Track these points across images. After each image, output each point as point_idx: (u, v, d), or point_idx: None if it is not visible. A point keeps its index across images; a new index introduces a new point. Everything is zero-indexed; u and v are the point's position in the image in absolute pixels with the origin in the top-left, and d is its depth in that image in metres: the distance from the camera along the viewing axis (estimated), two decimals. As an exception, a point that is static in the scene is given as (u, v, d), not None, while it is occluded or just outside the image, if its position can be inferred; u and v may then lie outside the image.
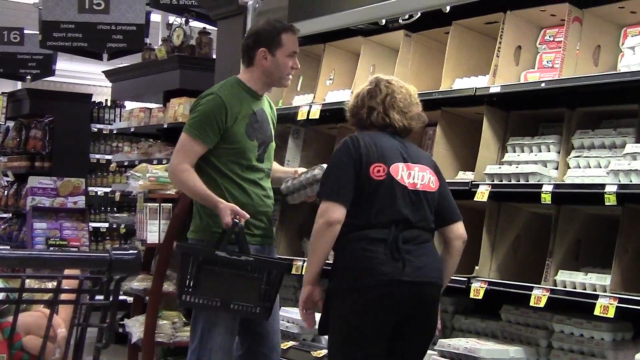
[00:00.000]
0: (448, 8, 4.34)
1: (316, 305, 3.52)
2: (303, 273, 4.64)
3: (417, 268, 3.36)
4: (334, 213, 3.38)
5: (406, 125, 3.54)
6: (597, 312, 3.57)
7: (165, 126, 7.32)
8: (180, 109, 7.09)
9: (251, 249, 3.85)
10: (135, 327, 6.10)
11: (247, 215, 3.79)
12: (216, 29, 6.60)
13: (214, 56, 7.02)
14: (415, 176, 3.46)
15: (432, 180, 3.51)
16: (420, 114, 3.60)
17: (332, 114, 4.77)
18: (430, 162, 3.59)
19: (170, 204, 6.09)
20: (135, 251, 2.11)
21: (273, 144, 4.08)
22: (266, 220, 4.00)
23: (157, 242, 6.04)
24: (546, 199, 3.80)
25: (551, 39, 4.23)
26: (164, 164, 6.57)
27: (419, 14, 4.55)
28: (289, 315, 4.73)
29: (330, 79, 5.19)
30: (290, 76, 4.05)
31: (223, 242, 3.75)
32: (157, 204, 6.07)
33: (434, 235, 3.56)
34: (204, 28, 7.81)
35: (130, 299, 6.83)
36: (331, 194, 3.43)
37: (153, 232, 6.02)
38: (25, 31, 10.78)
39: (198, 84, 7.09)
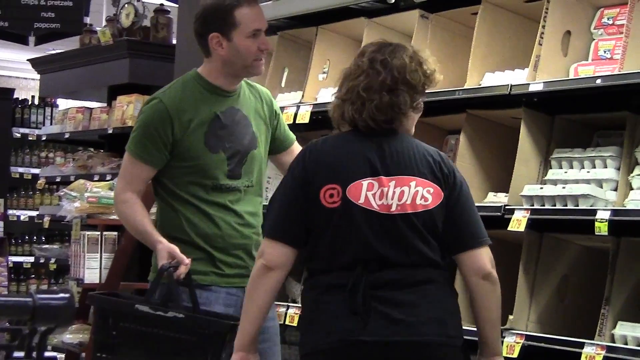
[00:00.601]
0: None
1: None
2: (290, 322, 4.64)
3: (392, 322, 3.19)
4: (272, 255, 3.30)
5: (366, 120, 3.30)
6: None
7: (110, 131, 7.36)
8: (129, 109, 7.14)
9: (222, 294, 3.85)
10: (68, 392, 6.14)
11: (186, 260, 3.75)
12: (177, 6, 6.64)
13: (174, 41, 7.07)
14: (389, 195, 3.25)
15: (422, 195, 3.27)
16: (401, 107, 3.32)
17: (327, 117, 4.74)
18: (426, 167, 3.30)
19: (116, 233, 6.12)
20: (67, 295, 2.10)
21: (259, 152, 4.02)
22: (244, 255, 3.95)
23: (97, 282, 6.06)
24: (602, 229, 3.78)
25: (610, 22, 4.24)
26: (107, 181, 6.64)
27: None
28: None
29: (324, 72, 5.20)
30: (262, 61, 3.98)
31: (161, 291, 3.72)
32: (99, 233, 6.09)
33: (444, 270, 3.35)
34: (162, 5, 7.83)
35: (61, 356, 6.83)
36: (271, 229, 3.34)
37: (92, 269, 6.05)
38: None
39: (153, 77, 7.19)
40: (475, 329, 3.40)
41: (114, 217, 5.99)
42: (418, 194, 3.27)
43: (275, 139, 4.18)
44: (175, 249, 3.78)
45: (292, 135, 4.27)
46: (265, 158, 4.12)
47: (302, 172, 3.31)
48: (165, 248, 3.78)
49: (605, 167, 4.04)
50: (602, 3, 4.31)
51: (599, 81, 3.93)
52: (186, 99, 3.93)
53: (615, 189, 3.96)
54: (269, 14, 5.41)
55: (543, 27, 4.18)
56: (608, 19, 4.27)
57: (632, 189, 3.92)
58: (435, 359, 3.25)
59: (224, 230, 3.92)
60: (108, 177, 6.89)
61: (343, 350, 3.21)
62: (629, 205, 3.86)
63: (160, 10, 7.70)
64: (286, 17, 5.39)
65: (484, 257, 3.33)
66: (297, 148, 4.20)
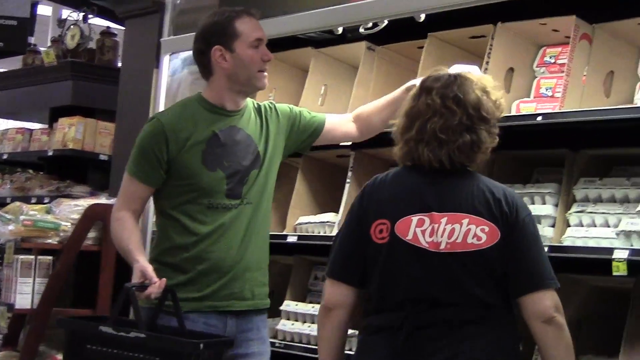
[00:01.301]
0: (423, 16, 4.40)
1: None
2: None
3: None
4: (330, 294, 3.30)
5: (461, 160, 3.24)
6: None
7: (51, 153, 7.31)
8: (71, 131, 7.09)
9: (199, 324, 3.85)
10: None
11: (154, 279, 3.73)
12: (123, 29, 6.62)
13: (120, 64, 7.04)
14: (439, 232, 3.16)
15: (474, 234, 3.16)
16: (482, 138, 3.26)
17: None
18: (483, 204, 3.20)
19: (50, 257, 6.05)
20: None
21: (264, 171, 4.01)
22: (233, 277, 3.92)
23: (28, 307, 5.98)
24: (538, 265, 3.81)
25: (552, 61, 4.30)
26: (45, 204, 6.55)
27: (386, 22, 4.59)
28: None
29: (271, 99, 5.21)
30: (265, 73, 3.99)
31: (135, 314, 3.71)
32: (33, 257, 6.01)
33: (503, 311, 3.23)
34: (108, 28, 7.82)
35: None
36: (331, 268, 3.32)
37: (24, 294, 5.97)
38: None
39: (97, 99, 7.19)
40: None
41: (50, 240, 5.99)
42: (470, 232, 3.16)
43: (304, 130, 4.19)
44: (148, 269, 3.75)
45: (320, 115, 4.26)
46: (273, 177, 4.08)
47: (359, 208, 3.29)
48: (139, 267, 3.76)
49: (544, 203, 4.07)
50: (544, 42, 4.37)
51: (539, 118, 3.98)
52: (185, 118, 3.95)
53: (553, 225, 4.00)
54: None
55: (487, 63, 4.24)
56: (550, 57, 4.32)
57: (569, 225, 3.96)
58: None
59: (216, 253, 3.90)
60: (46, 200, 6.81)
61: None
62: (566, 242, 3.89)
63: (107, 32, 7.68)
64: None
65: (545, 300, 3.17)
66: (334, 120, 4.25)
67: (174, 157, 3.90)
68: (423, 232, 3.18)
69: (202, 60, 4.01)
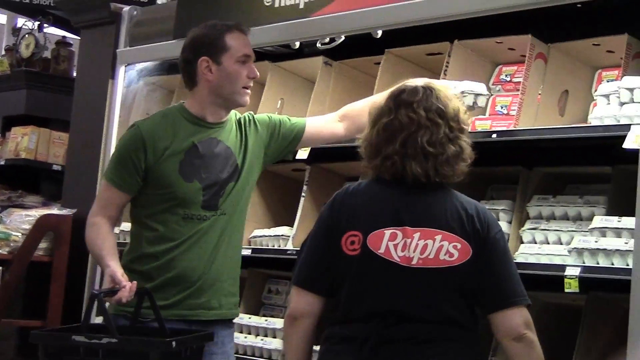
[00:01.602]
0: (380, 33, 4.40)
1: None
2: None
3: None
4: (297, 303, 3.24)
5: (443, 174, 3.20)
6: None
7: (3, 163, 7.25)
8: (24, 141, 7.04)
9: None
10: None
11: (124, 283, 3.69)
12: (79, 39, 6.57)
13: (75, 74, 6.97)
14: (411, 247, 3.11)
15: (446, 250, 3.11)
16: (464, 149, 3.24)
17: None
18: (456, 221, 3.15)
19: (0, 268, 6.00)
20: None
21: (240, 184, 3.97)
22: (202, 287, 3.89)
23: None
24: (492, 281, 3.81)
25: (508, 79, 4.32)
26: (0, 214, 6.47)
27: (343, 38, 4.58)
28: None
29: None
30: (248, 90, 3.96)
31: (105, 319, 3.67)
32: None
33: (470, 331, 3.17)
34: (64, 37, 7.75)
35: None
36: (298, 276, 3.26)
37: None
38: None
39: (50, 109, 7.13)
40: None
41: (1, 250, 5.94)
42: (443, 248, 3.11)
43: (284, 138, 4.14)
44: (117, 274, 3.71)
45: (300, 121, 4.20)
46: (250, 189, 4.05)
47: (329, 218, 3.23)
48: (109, 272, 3.73)
49: (498, 220, 3.99)
50: (500, 60, 4.38)
51: (494, 136, 3.99)
52: (164, 127, 3.92)
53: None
54: (172, 53, 5.42)
55: (443, 79, 4.22)
56: (506, 75, 4.34)
57: (522, 242, 3.97)
58: None
59: (185, 262, 3.87)
60: (1, 211, 6.69)
61: None
62: (519, 259, 3.88)
63: (62, 42, 7.62)
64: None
65: (515, 317, 3.14)
66: (316, 123, 4.20)
67: (152, 166, 3.87)
68: (395, 246, 3.12)
69: (188, 70, 3.98)
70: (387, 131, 3.22)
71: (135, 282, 3.72)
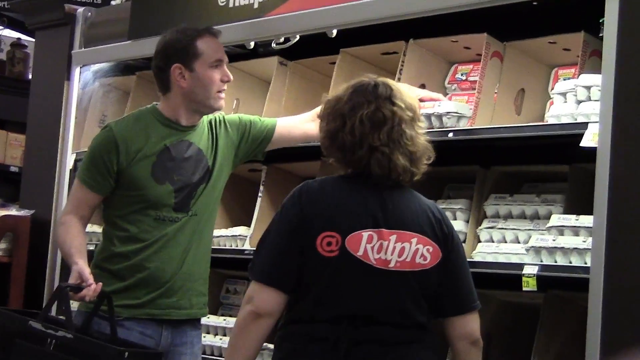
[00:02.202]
0: (334, 32, 4.32)
1: None
2: None
3: None
4: (263, 301, 3.04)
5: (413, 172, 3.14)
6: None
7: (-39, 165, 7.15)
8: (-19, 142, 6.92)
9: (135, 333, 3.76)
10: None
11: (90, 281, 3.63)
12: (34, 41, 6.51)
13: (30, 76, 6.84)
14: (388, 249, 3.03)
15: (421, 254, 3.06)
16: (427, 147, 3.18)
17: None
18: (427, 224, 3.11)
19: None
20: None
21: (211, 185, 3.92)
22: (171, 287, 3.83)
23: None
24: (448, 280, 3.75)
25: (464, 78, 4.26)
26: None
27: (297, 38, 4.51)
28: None
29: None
30: (222, 94, 3.89)
31: (66, 315, 3.63)
32: None
33: (429, 332, 3.15)
34: (19, 39, 7.70)
35: None
36: (263, 273, 3.07)
37: None
38: None
39: (7, 111, 7.08)
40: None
41: None
42: (418, 252, 3.06)
43: (254, 139, 4.08)
44: (85, 271, 3.66)
45: (270, 121, 4.13)
46: (220, 189, 4.00)
47: (298, 213, 3.06)
48: (77, 269, 3.67)
49: (455, 219, 4.01)
50: (456, 59, 4.33)
51: (451, 135, 3.92)
52: (137, 130, 3.87)
53: (464, 241, 3.92)
54: (127, 54, 5.33)
55: (399, 79, 4.16)
56: (462, 74, 4.28)
57: (479, 241, 3.91)
58: None
59: (156, 262, 3.82)
60: None
61: None
62: (476, 257, 3.83)
63: (18, 44, 7.56)
64: (144, 57, 5.25)
65: (473, 322, 3.17)
66: (287, 123, 4.14)
67: (124, 169, 3.82)
68: (372, 248, 3.03)
69: (161, 77, 3.91)
70: (373, 122, 3.08)
71: (100, 283, 3.68)
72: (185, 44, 3.84)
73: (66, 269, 5.41)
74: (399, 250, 3.04)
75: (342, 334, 2.99)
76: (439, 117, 3.96)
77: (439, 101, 4.02)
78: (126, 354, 3.48)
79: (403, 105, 3.12)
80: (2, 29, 7.59)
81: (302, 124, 4.14)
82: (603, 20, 3.37)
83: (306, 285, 3.05)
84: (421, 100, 3.99)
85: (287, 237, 3.07)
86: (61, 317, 3.81)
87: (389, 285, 3.04)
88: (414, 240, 3.07)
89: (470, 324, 3.15)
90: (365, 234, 3.03)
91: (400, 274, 3.04)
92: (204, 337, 4.61)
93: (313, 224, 3.04)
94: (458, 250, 3.18)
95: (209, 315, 4.56)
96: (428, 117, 3.97)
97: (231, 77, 3.91)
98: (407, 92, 3.21)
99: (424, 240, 3.08)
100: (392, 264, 3.03)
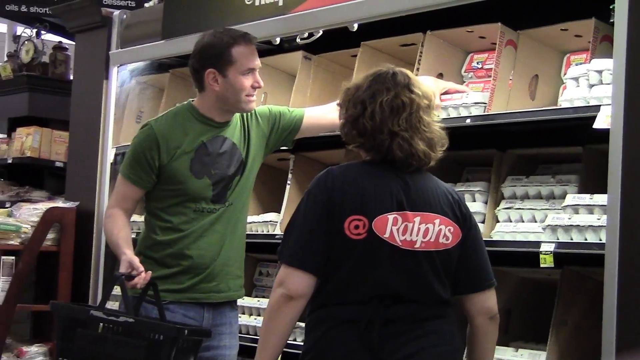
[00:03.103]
0: (356, 26, 4.29)
1: None
2: None
3: (404, 358, 2.93)
4: (295, 284, 2.96)
5: (431, 157, 3.07)
6: (530, 397, 3.53)
7: (10, 161, 7.11)
8: (28, 140, 6.93)
9: (178, 316, 3.77)
10: (-37, 411, 5.90)
11: (141, 269, 3.66)
12: (74, 44, 6.48)
13: (71, 77, 6.89)
14: (413, 231, 2.98)
15: (444, 234, 3.02)
16: (442, 134, 3.10)
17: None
18: (448, 205, 3.06)
19: (13, 257, 5.95)
20: None
21: (245, 176, 3.90)
22: (211, 273, 3.84)
23: None
24: (470, 259, 3.71)
25: (479, 66, 4.21)
26: (6, 208, 6.41)
27: (321, 32, 4.49)
28: None
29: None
30: (253, 97, 3.86)
31: (125, 301, 3.67)
32: None
33: (450, 308, 3.10)
34: (60, 42, 7.67)
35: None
36: (293, 257, 2.99)
37: None
38: None
39: (51, 110, 7.02)
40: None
41: (12, 242, 5.86)
42: (441, 232, 3.01)
43: (284, 129, 4.05)
44: (135, 260, 3.69)
45: (298, 111, 4.11)
46: (253, 178, 3.98)
47: (326, 199, 2.98)
48: (127, 259, 3.70)
49: (474, 200, 3.97)
50: (472, 48, 4.28)
51: (468, 121, 3.89)
52: (175, 127, 3.85)
53: (483, 221, 3.90)
54: (161, 53, 5.31)
55: (417, 69, 4.13)
56: (477, 63, 4.23)
57: (498, 221, 3.87)
58: None
59: (197, 250, 3.82)
60: (7, 205, 6.61)
61: None
62: (495, 237, 3.81)
63: (59, 47, 7.51)
64: (177, 55, 5.27)
65: (492, 298, 3.13)
66: (314, 113, 4.11)
67: (164, 164, 3.82)
68: (397, 230, 2.97)
69: (196, 77, 3.88)
70: (392, 108, 3.02)
71: (150, 271, 3.71)
72: (221, 51, 3.79)
73: (109, 256, 5.46)
74: (424, 231, 2.99)
75: (373, 314, 2.94)
76: (467, 107, 3.92)
77: (465, 92, 3.98)
78: (185, 331, 3.53)
79: (420, 93, 3.06)
80: (44, 34, 7.56)
81: (328, 114, 4.09)
82: (614, 7, 3.32)
83: (334, 267, 2.98)
84: (447, 92, 4.01)
85: (316, 221, 2.99)
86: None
87: (415, 265, 2.98)
88: (437, 222, 3.01)
89: (489, 300, 3.12)
90: (391, 216, 2.96)
91: (425, 253, 2.99)
92: (240, 317, 4.58)
93: (340, 209, 2.97)
94: (476, 230, 3.14)
95: (244, 297, 4.55)
96: (456, 107, 3.95)
97: (261, 83, 3.86)
98: (423, 81, 3.18)
99: (446, 221, 3.03)
100: (417, 245, 2.98)
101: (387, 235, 2.96)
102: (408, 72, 3.13)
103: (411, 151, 3.01)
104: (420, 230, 2.98)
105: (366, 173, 3.04)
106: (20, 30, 7.84)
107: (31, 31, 7.56)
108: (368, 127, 3.03)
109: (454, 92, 4.01)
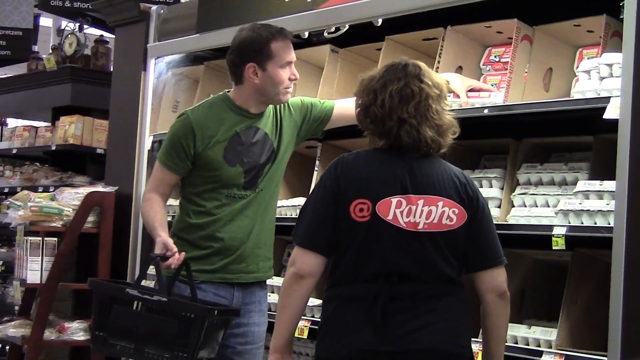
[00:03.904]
0: (380, 21, 4.29)
1: None
2: (299, 335, 4.30)
3: (408, 333, 2.95)
4: (305, 264, 3.03)
5: (440, 143, 3.09)
6: (541, 371, 3.52)
7: (54, 148, 7.16)
8: (71, 128, 6.96)
9: (210, 295, 3.81)
10: (10, 381, 5.97)
11: (175, 249, 3.71)
12: (114, 37, 6.51)
13: (112, 68, 6.92)
14: (417, 213, 2.99)
15: (447, 215, 3.02)
16: (453, 122, 3.13)
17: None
18: (453, 188, 3.06)
19: (55, 239, 5.99)
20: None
21: (276, 164, 3.94)
22: (242, 255, 3.87)
23: (38, 282, 5.91)
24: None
25: (497, 60, 4.21)
26: (49, 192, 6.46)
27: (347, 27, 4.49)
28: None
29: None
30: (289, 90, 3.90)
31: (159, 281, 3.70)
32: (40, 238, 5.94)
33: (459, 286, 3.10)
34: (101, 36, 7.71)
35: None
36: (304, 239, 3.06)
37: (34, 270, 5.90)
38: None
39: (92, 100, 7.05)
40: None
41: (54, 224, 5.90)
42: (444, 214, 3.02)
43: (315, 120, 4.09)
44: (170, 242, 3.73)
45: (329, 103, 4.14)
46: (284, 166, 4.01)
47: (334, 184, 3.04)
48: (162, 240, 3.73)
49: (491, 186, 3.98)
50: (490, 43, 4.27)
51: (486, 111, 3.89)
52: (211, 117, 3.87)
53: (499, 206, 3.91)
54: (196, 46, 5.33)
55: (438, 62, 4.13)
56: (495, 56, 4.22)
57: (513, 206, 3.87)
58: None
59: (228, 233, 3.85)
60: (51, 189, 6.68)
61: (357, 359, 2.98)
62: (511, 221, 3.81)
63: (100, 40, 7.54)
64: (211, 48, 5.30)
65: (501, 275, 3.12)
66: (343, 105, 4.10)
67: (200, 152, 3.84)
68: (401, 212, 2.99)
69: (235, 71, 3.90)
70: (401, 96, 3.06)
71: (183, 252, 3.74)
72: (261, 46, 3.82)
73: (146, 238, 5.51)
74: (427, 213, 3.00)
75: (379, 292, 2.97)
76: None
77: (493, 92, 3.97)
78: (216, 311, 3.58)
79: (430, 83, 3.09)
80: (87, 28, 7.61)
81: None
82: (624, 4, 3.32)
83: (344, 249, 3.04)
84: (472, 90, 4.01)
85: (325, 206, 3.05)
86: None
87: (419, 245, 3.00)
88: (440, 204, 3.02)
89: (497, 278, 3.11)
90: (394, 200, 2.99)
91: (428, 234, 3.01)
92: (269, 296, 4.61)
93: (347, 193, 3.02)
94: (483, 211, 3.12)
95: (273, 277, 4.59)
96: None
97: (298, 76, 3.90)
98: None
99: (450, 203, 3.03)
100: (420, 226, 3.00)
101: (390, 217, 2.99)
102: (421, 63, 3.15)
103: (418, 137, 3.04)
104: (424, 212, 3.00)
105: (374, 159, 3.08)
106: (64, 24, 7.87)
107: (74, 25, 7.61)
108: (378, 115, 3.08)
109: (478, 89, 4.01)
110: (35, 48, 8.17)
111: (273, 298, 4.66)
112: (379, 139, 3.13)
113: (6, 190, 7.71)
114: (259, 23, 3.99)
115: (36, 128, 7.68)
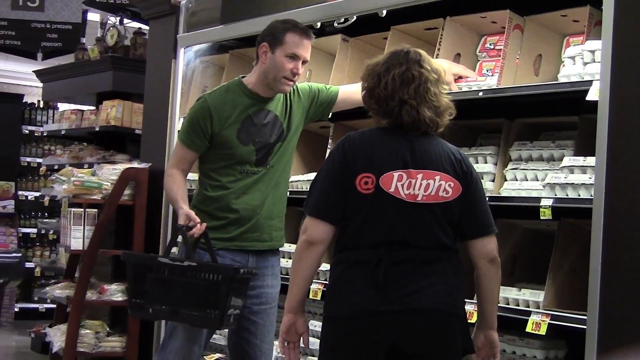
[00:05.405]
0: (384, 12, 4.28)
1: (300, 338, 3.15)
2: (313, 296, 4.30)
3: (407, 294, 2.95)
4: (315, 232, 3.03)
5: (438, 123, 3.08)
6: (529, 329, 3.50)
7: (97, 129, 7.18)
8: (112, 111, 6.97)
9: (227, 260, 3.83)
10: (57, 336, 6.08)
11: (197, 220, 3.72)
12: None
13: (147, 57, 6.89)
14: (416, 186, 3.00)
15: (444, 188, 3.02)
16: (450, 104, 3.12)
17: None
18: (449, 164, 3.06)
19: (96, 210, 6.04)
20: (18, 255, 1.94)
21: (286, 142, 3.94)
22: (256, 224, 3.88)
23: (80, 248, 5.97)
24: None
25: (491, 47, 4.17)
26: (94, 169, 6.45)
27: (355, 18, 4.46)
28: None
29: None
30: (289, 82, 3.87)
31: (186, 248, 3.73)
32: (82, 210, 6.00)
33: (455, 252, 3.10)
34: (140, 28, 7.70)
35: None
36: (314, 209, 3.06)
37: (77, 238, 5.96)
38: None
39: (131, 86, 7.02)
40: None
41: (95, 197, 5.93)
42: (441, 187, 3.02)
43: (322, 104, 4.10)
44: (192, 213, 3.75)
45: (334, 88, 4.15)
46: (294, 145, 4.02)
47: (342, 159, 3.04)
48: (185, 212, 3.76)
49: (486, 162, 3.96)
50: (485, 32, 4.23)
51: (480, 94, 3.88)
52: (226, 101, 3.89)
53: (493, 180, 3.89)
54: (221, 36, 5.32)
55: (438, 50, 4.11)
56: (490, 44, 4.19)
57: (506, 180, 3.86)
58: (443, 325, 3.00)
59: (242, 204, 3.86)
60: (95, 166, 6.62)
61: (363, 318, 2.96)
62: (503, 193, 3.80)
63: (138, 32, 7.54)
64: (235, 38, 5.28)
65: (491, 243, 3.12)
66: (347, 89, 4.15)
67: (216, 132, 3.85)
68: (402, 185, 2.99)
69: (257, 50, 3.94)
70: (402, 80, 3.06)
71: (205, 223, 3.75)
72: (278, 32, 3.85)
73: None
74: (425, 186, 3.01)
75: (382, 257, 2.97)
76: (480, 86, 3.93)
77: (472, 77, 3.97)
78: (241, 270, 3.64)
79: (429, 68, 3.09)
80: (128, 22, 7.60)
81: (359, 91, 4.07)
82: (604, -4, 3.30)
83: (350, 218, 3.03)
84: (460, 78, 4.01)
85: (333, 178, 3.05)
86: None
87: (418, 215, 3.01)
88: (437, 178, 3.03)
89: (488, 245, 3.11)
90: (396, 174, 3.00)
91: (427, 205, 3.01)
92: (286, 261, 4.63)
93: (353, 167, 3.02)
94: (476, 185, 3.12)
95: (290, 245, 4.59)
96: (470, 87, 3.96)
97: (300, 72, 3.87)
98: (433, 60, 3.18)
99: (446, 177, 3.04)
100: (419, 198, 3.00)
101: (392, 190, 2.99)
102: (421, 51, 3.15)
103: (418, 117, 3.04)
104: (422, 185, 3.00)
105: (378, 136, 3.08)
106: (106, 18, 7.88)
107: (115, 19, 7.62)
108: (382, 96, 3.08)
109: (465, 77, 4.01)
110: (84, 40, 8.15)
111: (290, 263, 4.68)
112: (382, 118, 3.13)
113: (56, 167, 7.73)
114: (295, 20, 4.00)
115: (82, 111, 7.69)
